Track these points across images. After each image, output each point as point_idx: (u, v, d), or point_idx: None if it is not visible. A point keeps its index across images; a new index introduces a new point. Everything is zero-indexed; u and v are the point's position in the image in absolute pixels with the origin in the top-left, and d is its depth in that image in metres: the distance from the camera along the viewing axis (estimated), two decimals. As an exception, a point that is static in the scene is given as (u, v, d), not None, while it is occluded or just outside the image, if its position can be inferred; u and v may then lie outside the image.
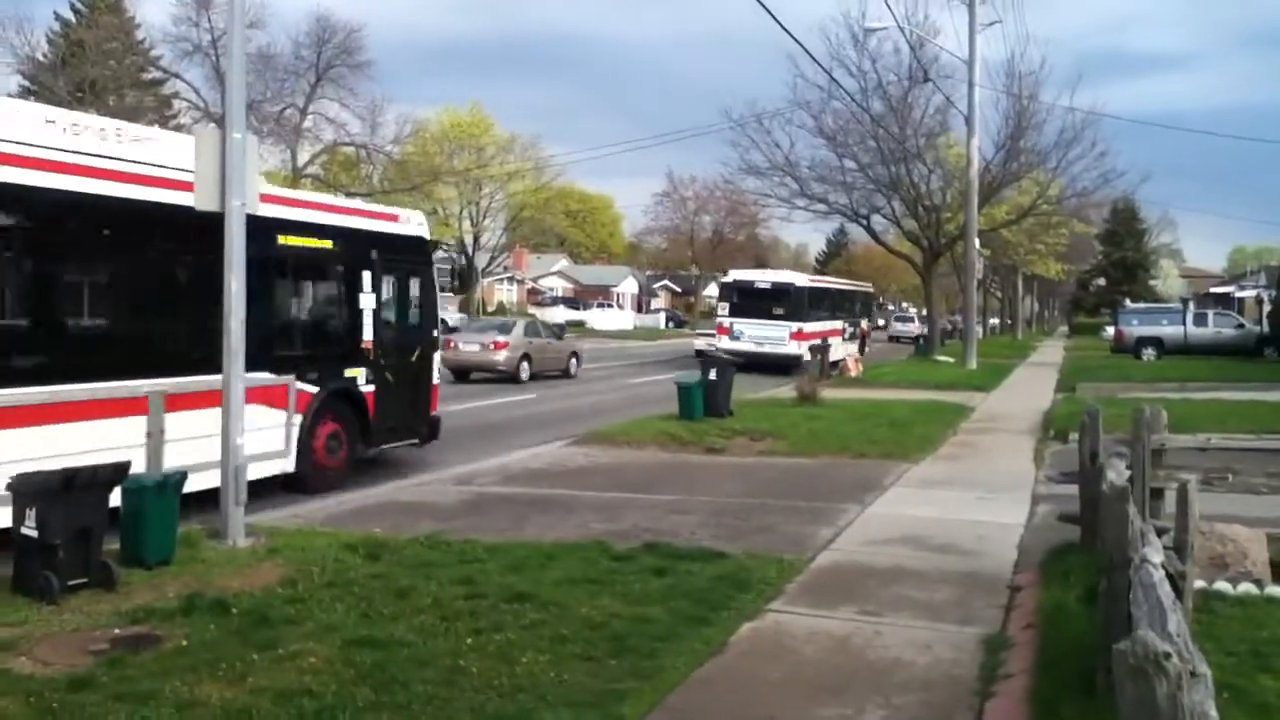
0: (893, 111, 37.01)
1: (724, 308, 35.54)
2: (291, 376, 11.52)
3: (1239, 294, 58.34)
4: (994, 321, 74.25)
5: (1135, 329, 41.93)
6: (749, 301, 34.16)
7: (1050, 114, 37.20)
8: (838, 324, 37.86)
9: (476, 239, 51.81)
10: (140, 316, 10.27)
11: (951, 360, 36.28)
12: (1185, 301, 54.25)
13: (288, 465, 11.53)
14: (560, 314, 65.88)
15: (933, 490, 12.48)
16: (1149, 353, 39.81)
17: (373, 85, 46.28)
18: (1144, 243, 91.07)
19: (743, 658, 6.41)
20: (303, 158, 40.60)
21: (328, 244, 12.28)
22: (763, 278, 36.30)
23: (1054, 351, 51.97)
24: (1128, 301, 61.87)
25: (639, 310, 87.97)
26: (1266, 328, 41.45)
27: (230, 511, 8.95)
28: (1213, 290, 71.06)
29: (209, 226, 9.17)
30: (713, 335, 35.85)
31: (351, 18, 48.12)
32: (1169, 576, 4.44)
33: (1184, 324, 41.83)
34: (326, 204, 13.71)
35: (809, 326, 33.75)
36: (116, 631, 6.55)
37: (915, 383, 27.52)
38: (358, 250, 12.72)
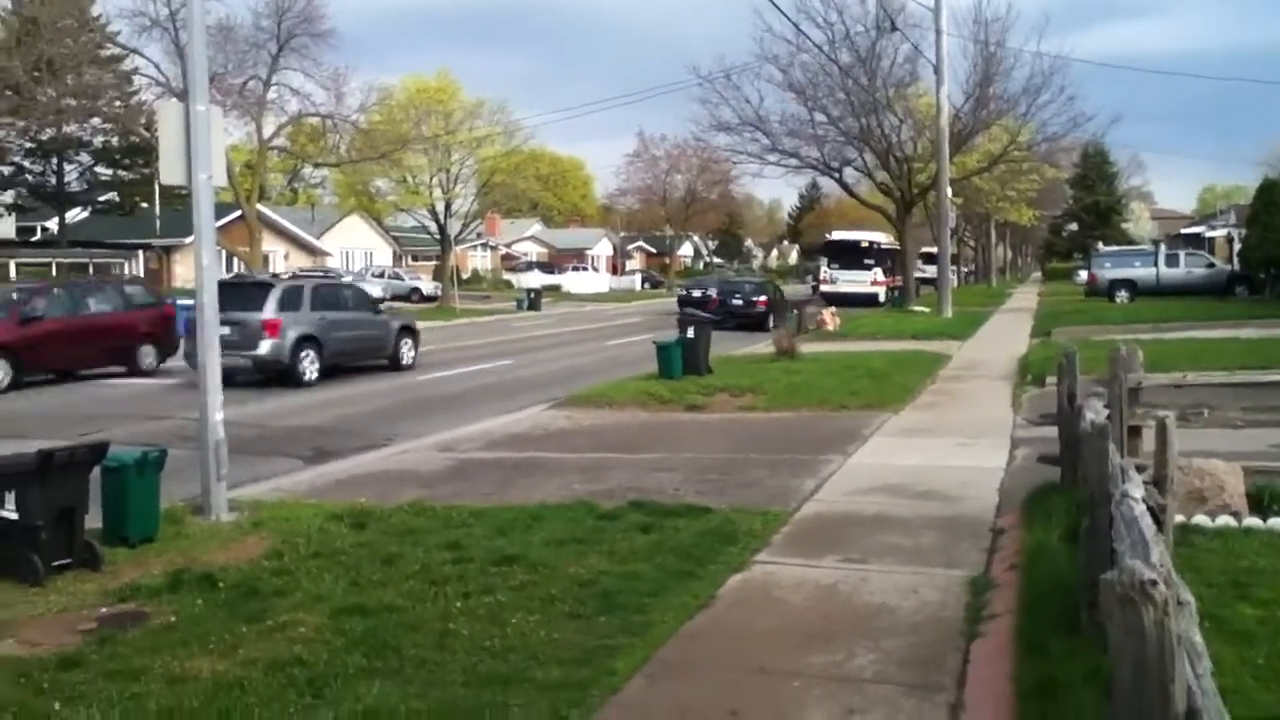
0: (861, 62, 36.86)
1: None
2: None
3: (1210, 234, 58.62)
4: (968, 270, 74.55)
5: (1108, 272, 42.14)
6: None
7: (1018, 60, 37.24)
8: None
9: (448, 206, 51.35)
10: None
11: (927, 310, 36.42)
12: (1157, 243, 54.50)
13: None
14: (535, 278, 65.64)
15: (913, 439, 12.56)
16: (1122, 295, 40.04)
17: (336, 55, 45.90)
18: (1114, 186, 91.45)
19: (731, 609, 6.46)
20: (268, 130, 40.02)
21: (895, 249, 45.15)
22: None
23: (1028, 298, 52.22)
24: (1100, 245, 62.15)
25: (614, 272, 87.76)
26: (1237, 266, 41.77)
27: (212, 487, 8.91)
28: (1184, 231, 71.36)
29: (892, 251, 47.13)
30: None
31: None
32: (1150, 511, 4.49)
33: (1156, 265, 42.06)
34: (889, 241, 47.43)
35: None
36: (104, 610, 6.53)
37: (892, 334, 27.62)
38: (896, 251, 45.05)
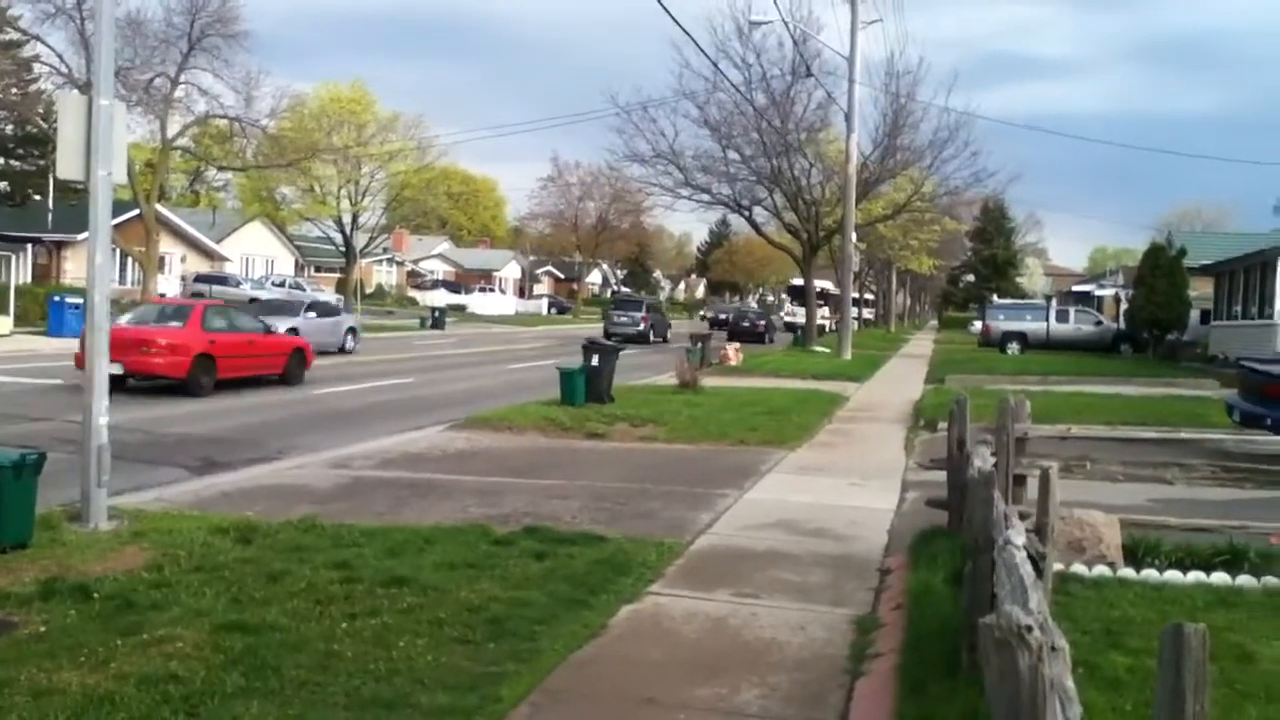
0: (775, 105, 37.54)
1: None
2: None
3: (1099, 292, 60.94)
4: (867, 314, 76.20)
5: (1001, 324, 43.55)
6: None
7: (926, 113, 38.40)
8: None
9: (355, 219, 50.66)
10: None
11: (827, 351, 37.10)
12: (1049, 299, 56.48)
13: None
14: (441, 297, 65.02)
15: (808, 477, 12.75)
16: (1014, 347, 41.39)
17: (249, 57, 44.96)
18: (1011, 241, 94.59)
19: (622, 639, 6.46)
20: (173, 129, 39.01)
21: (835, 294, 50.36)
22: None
23: (924, 344, 53.55)
24: (995, 297, 64.13)
25: (521, 295, 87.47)
26: (1123, 325, 43.50)
27: (92, 493, 8.60)
28: (1074, 288, 74.04)
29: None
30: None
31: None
32: (1030, 558, 4.64)
33: (1047, 320, 43.61)
34: (834, 287, 51.54)
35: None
36: (-33, 618, 6.24)
37: (793, 372, 28.04)
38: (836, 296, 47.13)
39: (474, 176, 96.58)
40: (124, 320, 19.15)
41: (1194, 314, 38.49)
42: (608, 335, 41.51)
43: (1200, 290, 38.88)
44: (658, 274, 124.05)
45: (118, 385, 17.77)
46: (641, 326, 44.23)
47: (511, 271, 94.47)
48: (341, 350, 30.30)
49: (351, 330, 31.99)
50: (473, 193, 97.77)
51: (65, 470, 9.38)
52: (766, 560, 8.51)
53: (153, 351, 18.57)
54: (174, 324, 19.58)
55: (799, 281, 61.84)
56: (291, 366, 21.43)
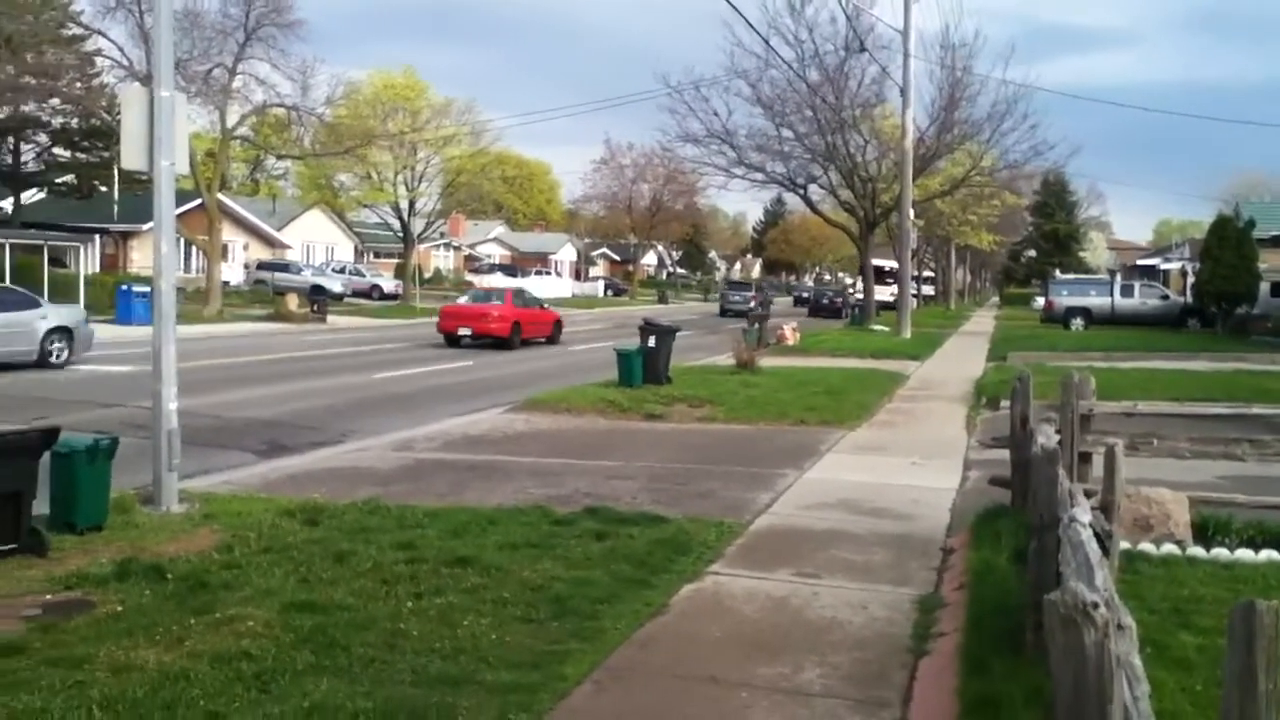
0: (829, 81, 37.17)
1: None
2: None
3: (1164, 266, 59.59)
4: (927, 291, 75.32)
5: (1064, 299, 42.79)
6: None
7: (984, 86, 37.78)
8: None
9: (412, 204, 51.05)
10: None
11: (886, 329, 36.75)
12: (1113, 273, 55.45)
13: None
14: (498, 281, 65.34)
15: (868, 456, 12.68)
16: (1077, 323, 40.68)
17: (304, 46, 45.38)
18: (1073, 215, 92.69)
19: (683, 618, 6.49)
20: (232, 119, 39.55)
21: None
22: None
23: (985, 321, 52.86)
24: (1057, 272, 63.04)
25: (577, 278, 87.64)
26: (1190, 299, 42.54)
27: (163, 477, 8.82)
28: (1139, 262, 72.47)
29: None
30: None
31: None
32: (1096, 536, 4.59)
33: (1111, 295, 42.79)
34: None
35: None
36: (48, 597, 6.44)
37: (850, 351, 27.84)
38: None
39: (528, 160, 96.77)
40: (462, 301, 31.63)
41: (1264, 286, 37.54)
42: (723, 311, 53.78)
43: (1270, 262, 37.90)
44: (713, 254, 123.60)
45: (454, 343, 27.92)
46: (752, 304, 51.52)
47: (567, 254, 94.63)
48: (42, 362, 19.60)
49: (61, 332, 20.32)
50: (527, 177, 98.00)
51: (136, 455, 9.62)
52: (827, 540, 8.49)
53: (490, 320, 28.29)
54: (496, 302, 29.79)
55: (873, 261, 64.99)
56: (555, 332, 31.22)
